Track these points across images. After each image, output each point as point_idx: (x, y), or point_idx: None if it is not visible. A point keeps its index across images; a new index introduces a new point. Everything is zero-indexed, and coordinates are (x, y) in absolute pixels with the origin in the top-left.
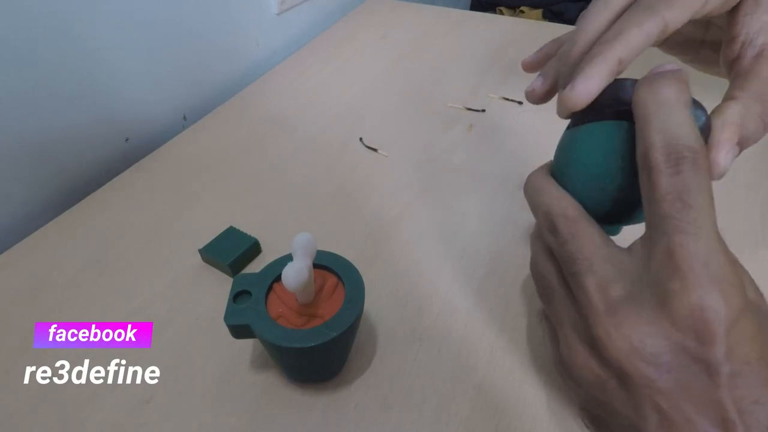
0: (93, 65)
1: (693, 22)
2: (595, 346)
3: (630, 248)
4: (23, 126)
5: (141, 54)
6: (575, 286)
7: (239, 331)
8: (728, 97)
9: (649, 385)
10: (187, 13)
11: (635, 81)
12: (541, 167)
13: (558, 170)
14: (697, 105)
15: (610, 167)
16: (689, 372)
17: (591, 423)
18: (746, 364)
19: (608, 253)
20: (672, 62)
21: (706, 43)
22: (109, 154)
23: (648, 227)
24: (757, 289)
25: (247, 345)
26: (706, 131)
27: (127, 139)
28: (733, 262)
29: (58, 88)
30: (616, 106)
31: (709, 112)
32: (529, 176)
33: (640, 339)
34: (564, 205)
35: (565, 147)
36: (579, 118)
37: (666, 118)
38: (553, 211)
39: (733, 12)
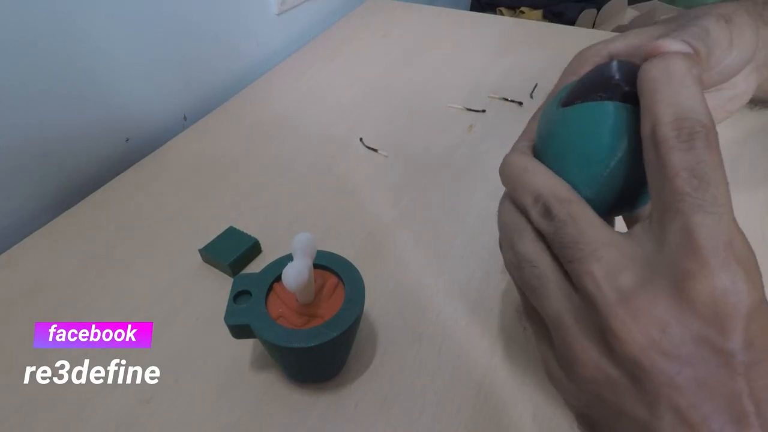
0: (93, 65)
1: None
2: (605, 341)
3: (630, 233)
4: (23, 126)
5: (141, 54)
6: (578, 274)
7: (239, 331)
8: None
9: (668, 382)
10: (188, 13)
11: (626, 62)
12: (519, 147)
13: (546, 153)
14: None
15: (607, 151)
16: (709, 365)
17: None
18: (764, 352)
19: (611, 237)
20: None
21: None
22: (109, 154)
23: (658, 209)
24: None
25: (247, 345)
26: None
27: (127, 139)
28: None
29: (58, 88)
30: (617, 85)
31: None
32: (508, 156)
33: (660, 329)
34: (556, 186)
35: (556, 128)
36: (574, 96)
37: (677, 91)
38: (545, 191)
39: None
